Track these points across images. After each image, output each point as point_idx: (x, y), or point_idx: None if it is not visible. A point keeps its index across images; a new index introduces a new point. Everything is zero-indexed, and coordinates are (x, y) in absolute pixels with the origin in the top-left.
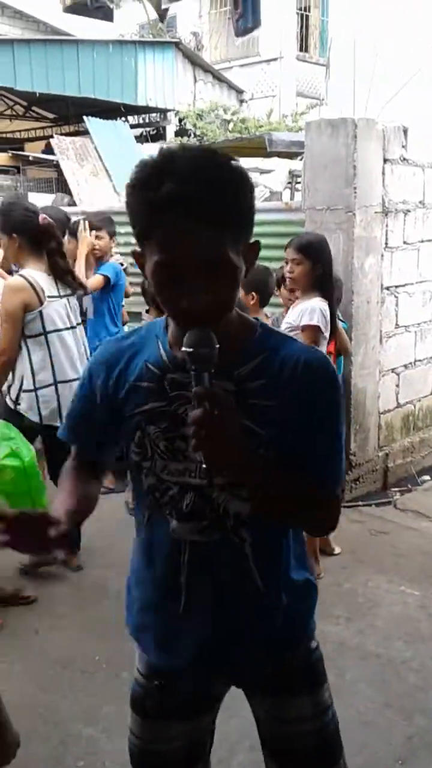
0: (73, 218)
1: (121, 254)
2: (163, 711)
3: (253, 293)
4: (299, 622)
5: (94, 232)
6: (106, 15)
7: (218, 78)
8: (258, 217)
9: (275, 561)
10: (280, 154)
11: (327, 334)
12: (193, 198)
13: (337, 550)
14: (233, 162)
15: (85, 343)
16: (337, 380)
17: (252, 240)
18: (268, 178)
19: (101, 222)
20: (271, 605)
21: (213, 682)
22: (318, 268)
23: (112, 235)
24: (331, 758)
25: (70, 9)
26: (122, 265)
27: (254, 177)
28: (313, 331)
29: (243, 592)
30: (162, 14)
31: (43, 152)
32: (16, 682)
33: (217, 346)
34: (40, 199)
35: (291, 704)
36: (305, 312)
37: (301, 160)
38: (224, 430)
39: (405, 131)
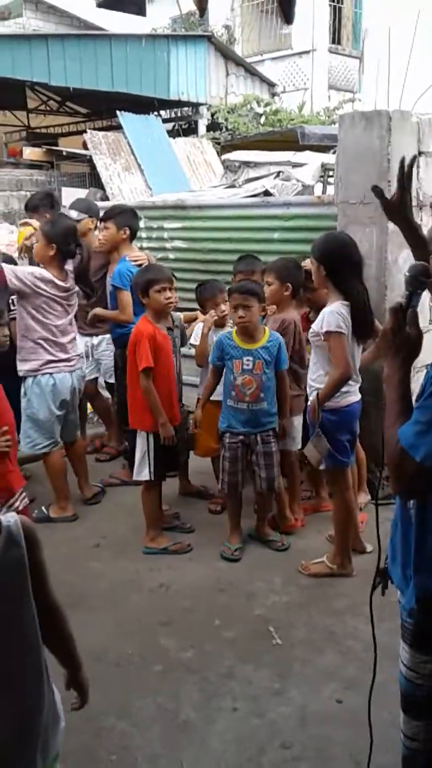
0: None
1: (149, 249)
2: None
3: (288, 284)
4: None
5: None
6: (139, 9)
7: (250, 71)
8: (290, 211)
9: None
10: (312, 148)
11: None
12: None
13: (369, 548)
14: None
15: None
16: None
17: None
18: (300, 171)
19: (109, 212)
20: None
21: None
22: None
23: (123, 226)
24: None
25: (103, 4)
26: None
27: (286, 170)
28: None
29: None
30: (203, 7)
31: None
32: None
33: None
34: (73, 194)
35: None
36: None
37: (333, 153)
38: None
39: None
